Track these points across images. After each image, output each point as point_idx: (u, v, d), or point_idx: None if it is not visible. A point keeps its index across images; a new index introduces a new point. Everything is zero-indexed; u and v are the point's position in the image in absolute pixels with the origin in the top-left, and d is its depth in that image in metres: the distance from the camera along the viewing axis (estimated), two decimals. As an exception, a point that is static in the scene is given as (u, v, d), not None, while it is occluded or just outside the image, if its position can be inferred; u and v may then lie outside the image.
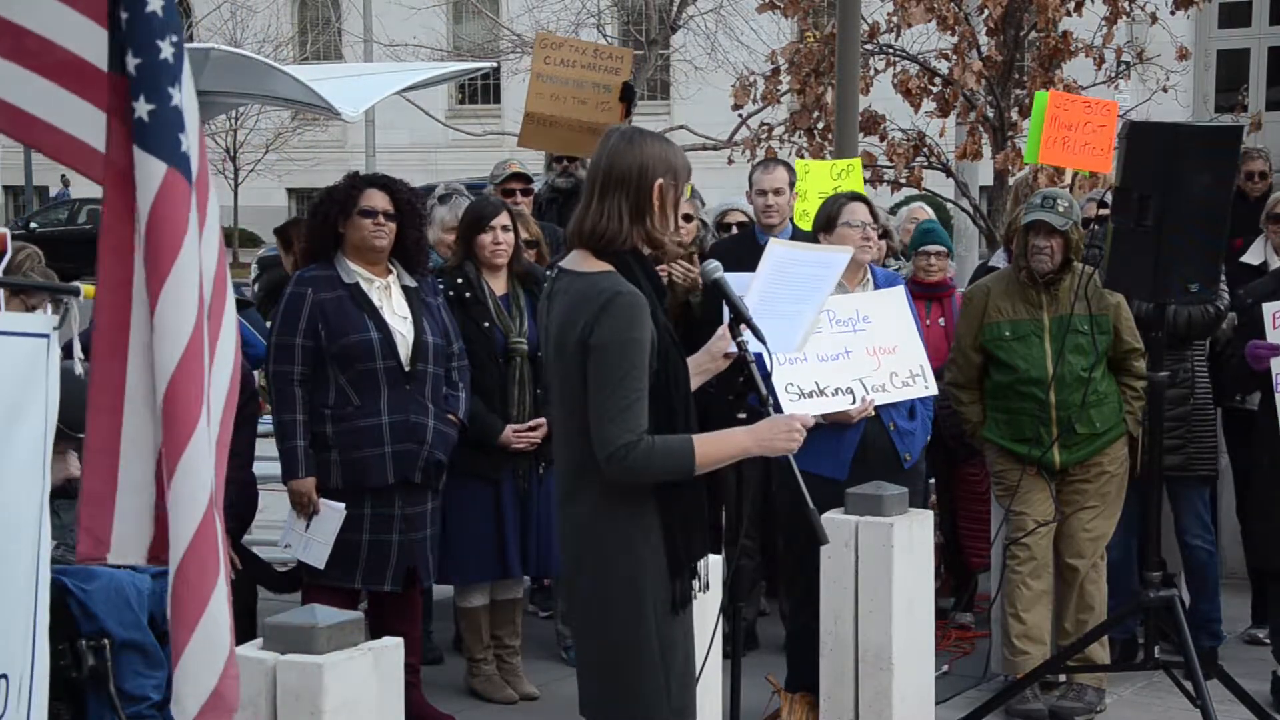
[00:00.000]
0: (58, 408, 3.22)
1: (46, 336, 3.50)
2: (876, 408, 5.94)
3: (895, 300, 6.10)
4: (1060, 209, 6.15)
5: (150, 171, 2.77)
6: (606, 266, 3.67)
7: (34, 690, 3.44)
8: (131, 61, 2.77)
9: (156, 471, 2.96)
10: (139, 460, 2.95)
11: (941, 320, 7.32)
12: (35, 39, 2.89)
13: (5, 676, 3.38)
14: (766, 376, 3.87)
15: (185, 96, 2.84)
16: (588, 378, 3.58)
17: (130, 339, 2.93)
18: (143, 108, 2.77)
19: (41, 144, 2.98)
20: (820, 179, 8.05)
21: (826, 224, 6.13)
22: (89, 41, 2.89)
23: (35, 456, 3.38)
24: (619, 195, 3.67)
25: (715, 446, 3.66)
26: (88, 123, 2.91)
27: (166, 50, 2.78)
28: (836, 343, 5.85)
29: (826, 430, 5.84)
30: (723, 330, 3.94)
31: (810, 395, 5.72)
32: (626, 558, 3.64)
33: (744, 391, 3.86)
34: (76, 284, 3.58)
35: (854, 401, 5.82)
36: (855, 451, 5.94)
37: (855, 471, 5.86)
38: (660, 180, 3.67)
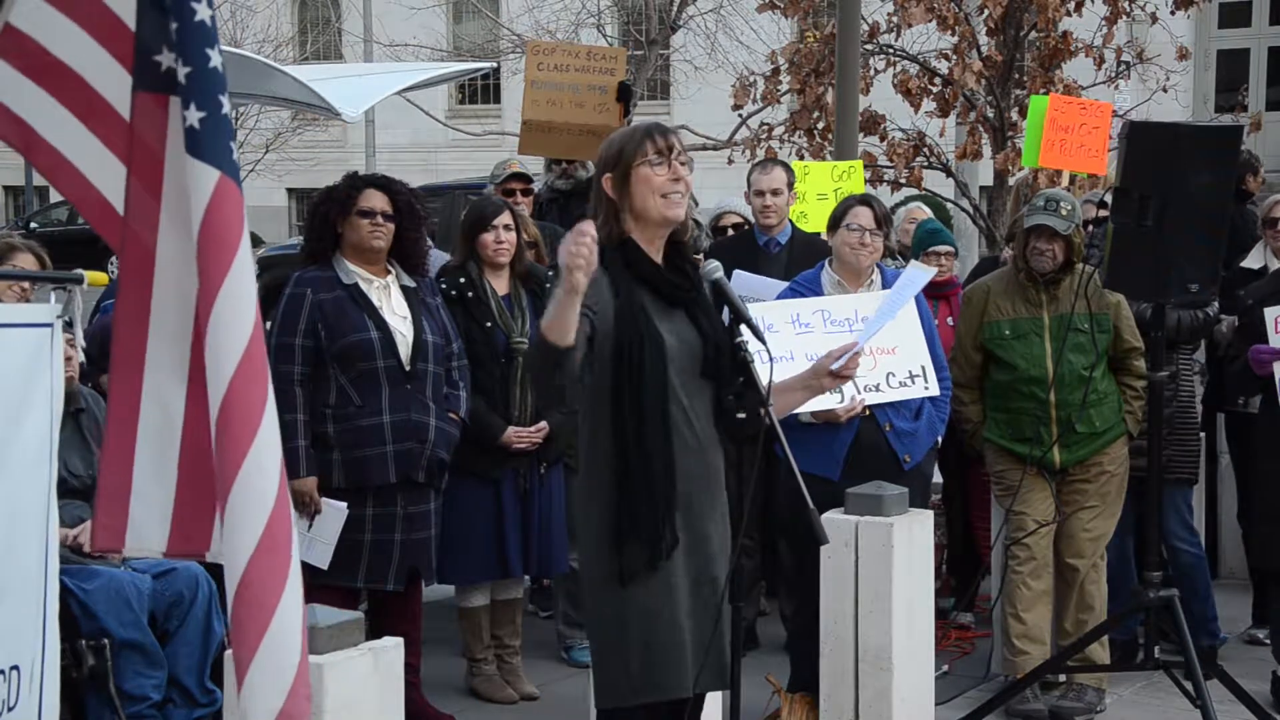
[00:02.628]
0: (63, 396, 3.23)
1: (50, 326, 3.51)
2: (872, 408, 5.93)
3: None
4: (1063, 212, 6.14)
5: (202, 179, 2.78)
6: None
7: (45, 681, 3.44)
8: (182, 70, 2.78)
9: (180, 467, 2.95)
10: (158, 457, 2.95)
11: (950, 319, 7.31)
12: (51, 58, 2.90)
13: (17, 668, 3.39)
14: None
15: (229, 104, 2.85)
16: None
17: (148, 345, 2.92)
18: (194, 115, 2.77)
19: (38, 160, 2.99)
20: (820, 181, 8.05)
21: (833, 224, 6.14)
22: (92, 64, 2.90)
23: (42, 446, 3.38)
24: (599, 207, 3.93)
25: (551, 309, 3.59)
26: (80, 146, 2.91)
27: (215, 59, 2.80)
28: (830, 343, 5.81)
29: (818, 429, 5.84)
30: (835, 351, 4.06)
31: None
32: (585, 533, 3.85)
33: (743, 391, 3.88)
34: (79, 271, 3.58)
35: (842, 400, 5.80)
36: (849, 452, 5.92)
37: (851, 472, 5.84)
38: (608, 175, 3.90)
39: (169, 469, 2.96)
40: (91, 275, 3.62)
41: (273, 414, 2.84)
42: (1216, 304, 6.63)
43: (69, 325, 3.54)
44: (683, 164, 3.94)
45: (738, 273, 6.59)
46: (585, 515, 3.90)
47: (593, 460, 3.88)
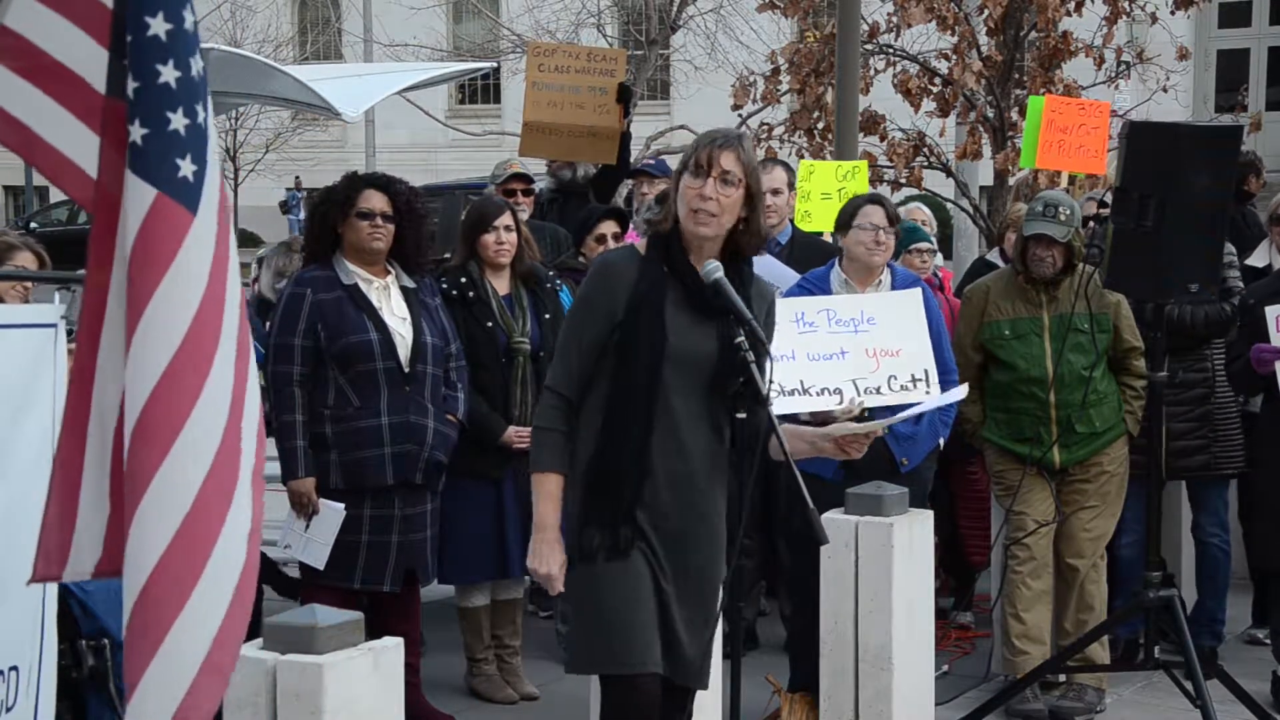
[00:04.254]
0: (64, 397, 3.20)
1: (53, 326, 3.51)
2: (872, 410, 5.89)
3: (909, 302, 5.99)
4: (1061, 217, 6.13)
5: (139, 196, 2.70)
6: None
7: (41, 681, 3.44)
8: (131, 85, 2.71)
9: (110, 483, 2.90)
10: (99, 475, 2.88)
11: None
12: (48, 59, 2.86)
13: (16, 668, 3.39)
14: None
15: (197, 121, 2.76)
16: None
17: (98, 363, 2.85)
18: (137, 132, 2.70)
19: (41, 163, 2.95)
20: (825, 180, 8.04)
21: (844, 224, 6.11)
22: (92, 63, 2.86)
23: (44, 447, 3.38)
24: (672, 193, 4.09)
25: (540, 496, 4.02)
26: (84, 146, 2.87)
27: (168, 75, 2.71)
28: (832, 343, 5.82)
29: (812, 429, 5.80)
30: (853, 427, 4.17)
31: (793, 393, 5.67)
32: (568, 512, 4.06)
33: (742, 391, 3.89)
34: (84, 272, 3.57)
35: (841, 402, 5.76)
36: None
37: (845, 473, 5.80)
38: (678, 169, 4.04)
39: (104, 486, 2.87)
40: None
41: (194, 437, 2.73)
42: (1238, 297, 6.62)
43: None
44: (727, 182, 3.91)
45: (764, 257, 6.63)
46: (571, 495, 4.04)
47: (584, 441, 4.01)
